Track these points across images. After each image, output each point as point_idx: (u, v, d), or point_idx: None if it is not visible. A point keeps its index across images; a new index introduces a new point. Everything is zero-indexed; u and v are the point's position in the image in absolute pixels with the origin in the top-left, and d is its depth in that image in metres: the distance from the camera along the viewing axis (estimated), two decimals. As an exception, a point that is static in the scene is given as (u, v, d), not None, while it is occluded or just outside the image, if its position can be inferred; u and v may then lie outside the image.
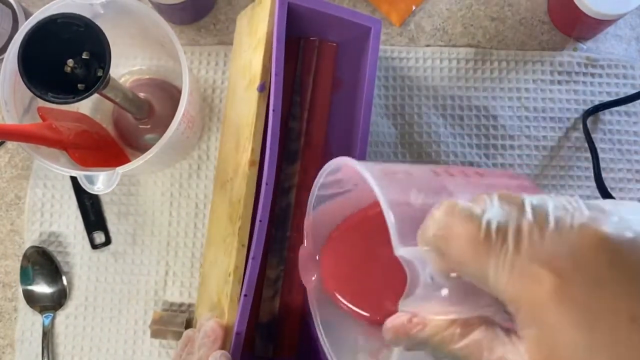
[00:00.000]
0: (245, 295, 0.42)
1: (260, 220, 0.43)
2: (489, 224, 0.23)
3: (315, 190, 0.37)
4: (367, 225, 0.38)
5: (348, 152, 0.49)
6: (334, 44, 0.53)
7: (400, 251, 0.25)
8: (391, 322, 0.27)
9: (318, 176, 0.36)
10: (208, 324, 0.43)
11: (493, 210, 0.24)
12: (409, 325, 0.26)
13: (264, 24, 0.46)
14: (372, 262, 0.36)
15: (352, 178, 0.35)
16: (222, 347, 0.43)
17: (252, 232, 0.43)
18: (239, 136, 0.48)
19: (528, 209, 0.23)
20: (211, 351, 0.41)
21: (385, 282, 0.35)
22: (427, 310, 0.26)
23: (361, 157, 0.47)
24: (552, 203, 0.23)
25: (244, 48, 0.51)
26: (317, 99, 0.52)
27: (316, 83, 0.53)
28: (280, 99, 0.44)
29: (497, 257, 0.23)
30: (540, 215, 0.23)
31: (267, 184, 0.43)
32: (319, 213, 0.38)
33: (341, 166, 0.33)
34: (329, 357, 0.35)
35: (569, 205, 0.23)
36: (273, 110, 0.44)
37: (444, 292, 0.25)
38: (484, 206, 0.24)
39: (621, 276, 0.21)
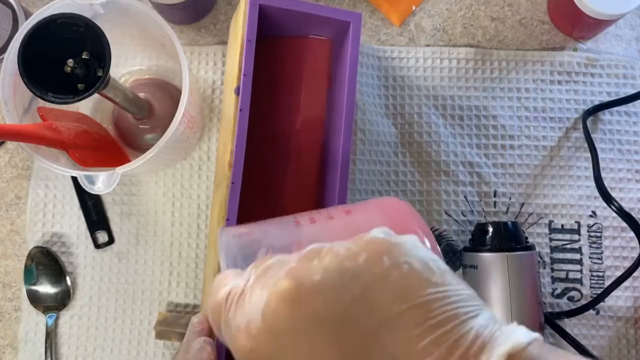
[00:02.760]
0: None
1: (228, 219, 0.43)
2: (225, 292, 0.25)
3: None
4: None
5: (337, 151, 0.49)
6: (328, 41, 0.53)
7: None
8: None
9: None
10: (195, 317, 0.44)
11: (239, 279, 0.26)
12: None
13: (239, 28, 0.46)
14: None
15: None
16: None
17: None
18: (225, 138, 0.48)
19: (249, 275, 0.25)
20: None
21: None
22: None
23: (344, 156, 0.47)
24: (275, 261, 0.25)
25: (232, 52, 0.51)
26: (311, 98, 0.52)
27: (309, 82, 0.52)
28: (248, 99, 0.44)
29: (223, 319, 0.25)
30: (254, 278, 0.25)
31: (233, 182, 0.43)
32: None
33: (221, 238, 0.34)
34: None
35: (289, 258, 0.25)
36: (240, 110, 0.44)
37: None
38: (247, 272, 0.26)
39: (300, 323, 0.22)
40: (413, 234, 0.27)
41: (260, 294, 0.23)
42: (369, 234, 0.25)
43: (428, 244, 0.32)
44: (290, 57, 0.52)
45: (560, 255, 0.56)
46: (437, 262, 0.24)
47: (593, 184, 0.54)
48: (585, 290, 0.56)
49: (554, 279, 0.56)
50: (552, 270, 0.56)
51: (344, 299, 0.22)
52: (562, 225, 0.57)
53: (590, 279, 0.56)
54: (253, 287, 0.24)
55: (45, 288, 0.55)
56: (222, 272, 0.28)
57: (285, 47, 0.52)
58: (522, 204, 0.57)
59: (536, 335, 0.22)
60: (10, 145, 0.58)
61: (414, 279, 0.22)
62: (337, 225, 0.33)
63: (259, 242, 0.31)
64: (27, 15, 0.56)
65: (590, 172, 0.56)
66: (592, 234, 0.56)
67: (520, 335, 0.21)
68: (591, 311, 0.55)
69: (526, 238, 0.52)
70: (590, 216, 0.57)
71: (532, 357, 0.21)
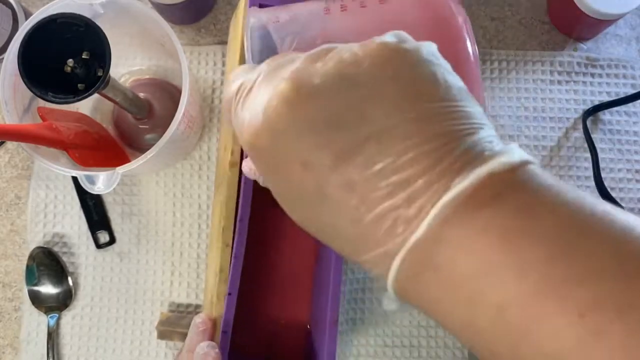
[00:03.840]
0: (230, 294, 0.43)
1: (241, 220, 0.43)
2: (236, 86, 0.26)
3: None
4: None
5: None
6: None
7: None
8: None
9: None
10: (198, 317, 0.44)
11: (251, 73, 0.26)
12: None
13: (239, 28, 0.46)
14: None
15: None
16: (211, 340, 0.43)
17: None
18: (225, 138, 0.48)
19: (260, 71, 0.25)
20: (199, 343, 0.42)
21: None
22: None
23: None
24: (286, 60, 0.25)
25: (232, 52, 0.51)
26: None
27: None
28: None
29: (232, 111, 0.26)
30: (263, 75, 0.25)
31: (245, 182, 0.43)
32: None
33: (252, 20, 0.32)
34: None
35: (298, 57, 0.24)
36: None
37: None
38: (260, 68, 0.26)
39: (296, 124, 0.22)
40: (454, 24, 0.25)
41: (265, 92, 0.23)
42: (380, 37, 0.23)
43: (466, 35, 0.29)
44: None
45: (561, 255, 0.56)
46: (448, 75, 0.22)
47: (593, 184, 0.54)
48: (586, 290, 0.56)
49: (554, 279, 0.56)
50: (552, 270, 0.56)
51: (338, 106, 0.21)
52: (562, 225, 0.57)
53: (591, 279, 0.56)
54: (261, 84, 0.24)
55: (47, 288, 0.55)
56: (238, 67, 0.28)
57: None
58: (522, 204, 0.57)
59: (530, 157, 0.20)
60: (10, 145, 0.58)
61: (415, 90, 0.21)
62: (368, 15, 0.30)
63: (286, 29, 0.30)
64: (27, 15, 0.56)
65: (590, 172, 0.56)
66: (592, 233, 0.56)
67: (512, 155, 0.20)
68: (591, 311, 0.55)
69: (526, 238, 0.52)
70: (591, 216, 0.57)
71: (520, 181, 0.19)
